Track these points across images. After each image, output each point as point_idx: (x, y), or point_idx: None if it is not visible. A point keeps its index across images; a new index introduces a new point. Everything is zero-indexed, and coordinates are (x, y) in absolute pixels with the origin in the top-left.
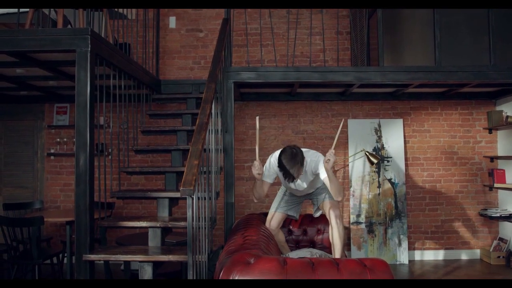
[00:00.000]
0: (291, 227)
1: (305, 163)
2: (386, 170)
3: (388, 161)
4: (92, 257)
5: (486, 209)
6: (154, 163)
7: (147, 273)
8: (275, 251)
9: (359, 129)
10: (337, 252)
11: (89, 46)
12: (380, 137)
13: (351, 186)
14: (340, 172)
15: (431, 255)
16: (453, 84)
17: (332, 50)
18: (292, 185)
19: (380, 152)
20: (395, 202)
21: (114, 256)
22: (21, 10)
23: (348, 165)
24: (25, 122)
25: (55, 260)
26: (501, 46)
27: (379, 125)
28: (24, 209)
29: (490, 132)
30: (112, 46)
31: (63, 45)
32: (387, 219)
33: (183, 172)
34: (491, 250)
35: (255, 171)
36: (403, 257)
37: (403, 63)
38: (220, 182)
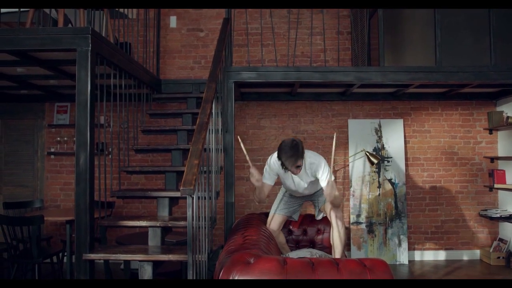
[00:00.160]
0: (291, 227)
1: (305, 161)
2: (386, 170)
3: (388, 161)
4: (92, 256)
5: (486, 210)
6: (154, 163)
7: (147, 273)
8: (275, 251)
9: (359, 129)
10: (337, 254)
11: (90, 45)
12: (380, 137)
13: (351, 186)
14: (340, 172)
15: (431, 256)
16: (453, 85)
17: (332, 50)
18: (292, 185)
19: (380, 152)
20: (395, 202)
21: (114, 255)
22: (22, 9)
23: (348, 165)
24: (25, 121)
25: (55, 259)
26: (502, 47)
27: (380, 125)
28: (24, 208)
29: (490, 133)
30: (112, 46)
31: (63, 44)
32: (387, 219)
33: (183, 171)
34: (491, 250)
35: (253, 179)
36: (403, 257)
37: (403, 63)
38: (220, 181)
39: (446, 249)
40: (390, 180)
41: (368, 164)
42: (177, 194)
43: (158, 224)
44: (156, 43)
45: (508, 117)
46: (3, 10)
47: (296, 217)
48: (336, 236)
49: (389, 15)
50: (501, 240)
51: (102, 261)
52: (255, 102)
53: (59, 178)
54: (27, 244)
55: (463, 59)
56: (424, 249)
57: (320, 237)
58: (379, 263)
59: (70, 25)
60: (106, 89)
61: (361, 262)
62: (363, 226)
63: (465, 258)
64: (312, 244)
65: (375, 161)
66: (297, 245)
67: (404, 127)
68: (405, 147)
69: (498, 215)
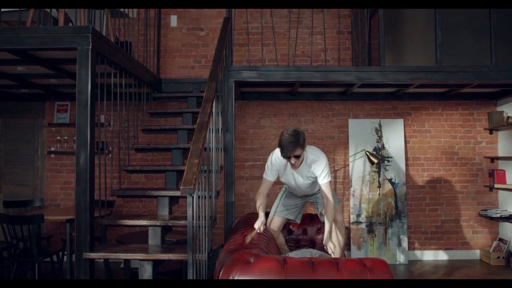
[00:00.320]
0: (291, 226)
1: (306, 156)
2: (386, 170)
3: (388, 161)
4: (92, 255)
5: (486, 210)
6: (155, 162)
7: (147, 272)
8: (275, 251)
9: (359, 129)
10: (336, 255)
11: (90, 44)
12: (380, 137)
13: (351, 186)
14: (340, 172)
15: (431, 255)
16: (454, 85)
17: (333, 49)
18: (292, 181)
19: (380, 152)
20: (395, 202)
21: (114, 254)
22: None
23: (348, 165)
24: (25, 120)
25: (55, 258)
26: (502, 47)
27: (380, 125)
28: (24, 207)
29: (490, 133)
30: (113, 45)
31: (64, 43)
32: (387, 219)
33: (183, 170)
34: (491, 250)
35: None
36: (403, 257)
37: (404, 63)
38: (220, 181)
39: (446, 249)
40: (390, 180)
41: (368, 164)
42: (177, 193)
43: (158, 223)
44: (156, 42)
45: (508, 117)
46: (3, 9)
47: (297, 219)
48: (335, 239)
49: (390, 15)
50: (501, 240)
51: (102, 260)
52: (255, 102)
53: (59, 177)
54: (27, 243)
55: (464, 59)
56: (424, 249)
57: (320, 236)
58: (379, 263)
59: (70, 24)
60: (106, 88)
61: (361, 262)
62: (363, 226)
63: (465, 258)
64: (312, 244)
65: (375, 160)
66: (297, 244)
67: (404, 127)
68: (405, 147)
69: (498, 215)
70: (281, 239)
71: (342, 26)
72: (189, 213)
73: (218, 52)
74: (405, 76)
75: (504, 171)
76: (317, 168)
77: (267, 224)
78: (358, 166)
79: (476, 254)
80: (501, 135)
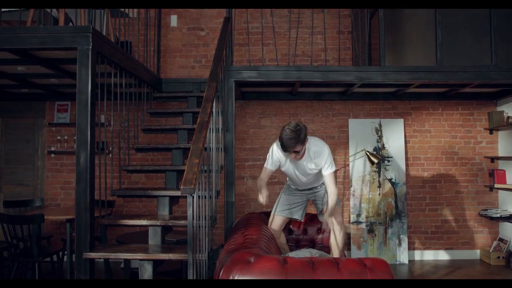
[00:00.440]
0: (291, 226)
1: (309, 147)
2: (386, 170)
3: (388, 161)
4: (92, 255)
5: (486, 210)
6: (155, 162)
7: (147, 272)
8: (275, 251)
9: (359, 129)
10: (335, 256)
11: (91, 44)
12: (380, 137)
13: (351, 186)
14: (340, 172)
15: (431, 255)
16: (454, 84)
17: (333, 49)
18: (293, 173)
19: (380, 152)
20: (395, 202)
21: (114, 254)
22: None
23: (348, 164)
24: (25, 120)
25: (55, 258)
26: (502, 47)
27: (380, 125)
28: (25, 206)
29: (491, 133)
30: (113, 44)
31: (64, 43)
32: (387, 219)
33: (183, 170)
34: (491, 250)
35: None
36: (403, 257)
37: (404, 63)
38: (220, 181)
39: (446, 249)
40: (390, 180)
41: (368, 163)
42: (178, 193)
43: (158, 223)
44: (156, 42)
45: (508, 117)
46: (3, 9)
47: (300, 217)
48: (333, 241)
49: (390, 15)
50: (501, 240)
51: (102, 260)
52: (255, 101)
53: (59, 177)
54: (27, 242)
55: (464, 59)
56: (424, 249)
57: (320, 236)
58: (380, 263)
59: (71, 24)
60: (106, 88)
61: (361, 261)
62: (363, 225)
63: (465, 258)
64: (312, 244)
65: (375, 160)
66: (297, 244)
67: (404, 126)
68: (406, 146)
69: (498, 215)
70: (282, 239)
71: (342, 26)
72: (189, 213)
73: (218, 52)
74: (405, 76)
75: (504, 171)
76: (321, 160)
77: (269, 224)
78: (358, 166)
79: (476, 254)
80: (501, 135)
